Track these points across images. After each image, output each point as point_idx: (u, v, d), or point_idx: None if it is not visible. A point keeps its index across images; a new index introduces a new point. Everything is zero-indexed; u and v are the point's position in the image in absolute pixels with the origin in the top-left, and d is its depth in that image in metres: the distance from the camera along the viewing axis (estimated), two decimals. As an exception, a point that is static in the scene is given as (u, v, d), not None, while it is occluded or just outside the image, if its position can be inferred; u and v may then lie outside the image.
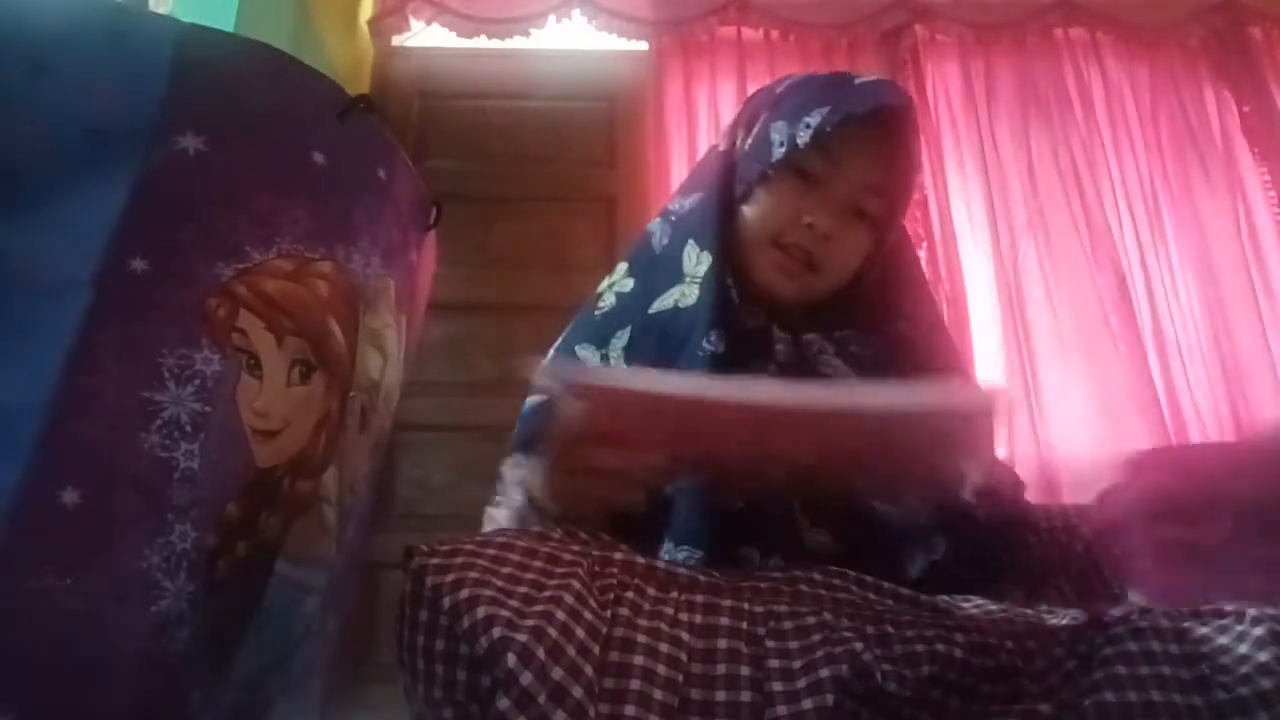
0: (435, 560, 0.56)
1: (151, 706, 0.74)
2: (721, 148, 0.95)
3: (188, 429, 0.78)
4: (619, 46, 2.59)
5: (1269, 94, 2.52)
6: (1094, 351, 2.20)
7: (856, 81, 0.88)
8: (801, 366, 0.84)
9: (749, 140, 0.91)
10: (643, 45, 2.57)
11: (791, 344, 0.85)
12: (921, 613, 0.61)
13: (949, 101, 2.53)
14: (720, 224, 0.88)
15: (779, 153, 0.85)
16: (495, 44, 2.54)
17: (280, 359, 0.87)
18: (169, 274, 0.81)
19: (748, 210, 0.88)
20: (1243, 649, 0.52)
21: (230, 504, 0.81)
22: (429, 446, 2.23)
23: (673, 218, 0.92)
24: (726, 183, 0.90)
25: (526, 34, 2.53)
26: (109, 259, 0.79)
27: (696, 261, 0.87)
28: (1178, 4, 2.61)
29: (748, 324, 0.85)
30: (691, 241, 0.88)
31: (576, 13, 2.54)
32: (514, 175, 2.47)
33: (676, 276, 0.87)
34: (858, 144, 0.85)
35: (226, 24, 1.86)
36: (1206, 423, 2.21)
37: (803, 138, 0.83)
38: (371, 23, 2.55)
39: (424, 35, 2.62)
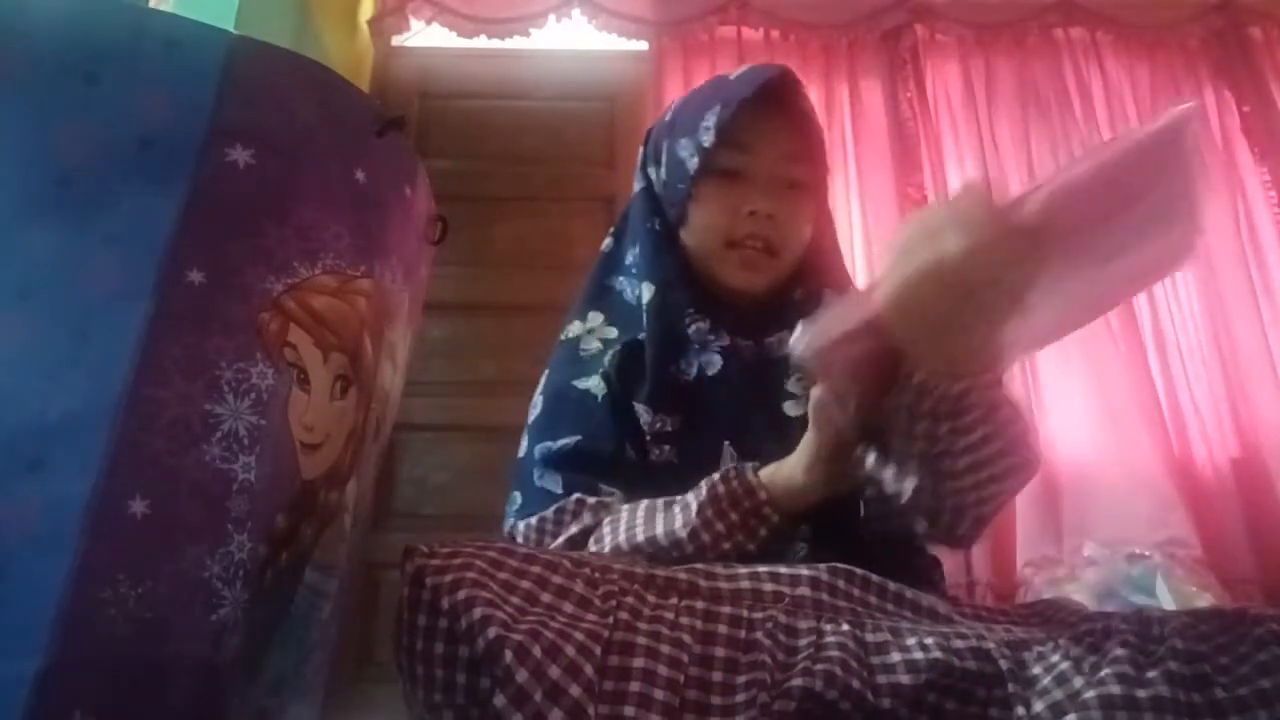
0: (434, 561, 0.56)
1: (202, 712, 0.75)
2: (638, 187, 0.98)
3: (245, 441, 0.79)
4: (619, 46, 2.59)
5: (1269, 94, 2.52)
6: (1094, 351, 2.20)
7: (733, 76, 0.92)
8: (762, 364, 0.87)
9: (662, 170, 0.93)
10: (643, 45, 2.57)
11: (753, 349, 0.88)
12: (921, 618, 0.61)
13: (949, 101, 2.53)
14: (660, 255, 0.91)
15: (693, 163, 0.87)
16: (495, 44, 2.54)
17: (326, 374, 0.88)
18: (224, 287, 0.81)
19: (688, 231, 0.90)
20: (1243, 649, 0.52)
21: (279, 515, 0.82)
22: (429, 446, 2.23)
23: (633, 270, 0.94)
24: (657, 217, 0.93)
25: (526, 34, 2.54)
26: (167, 269, 0.79)
27: (644, 294, 0.90)
28: (1178, 4, 2.61)
29: (718, 341, 0.88)
30: (646, 283, 0.91)
31: (576, 13, 2.54)
32: (514, 175, 2.47)
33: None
34: (760, 124, 0.87)
35: (227, 24, 1.86)
36: (1206, 423, 2.21)
37: (707, 139, 0.86)
38: (371, 23, 2.55)
39: (424, 35, 2.62)
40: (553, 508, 0.80)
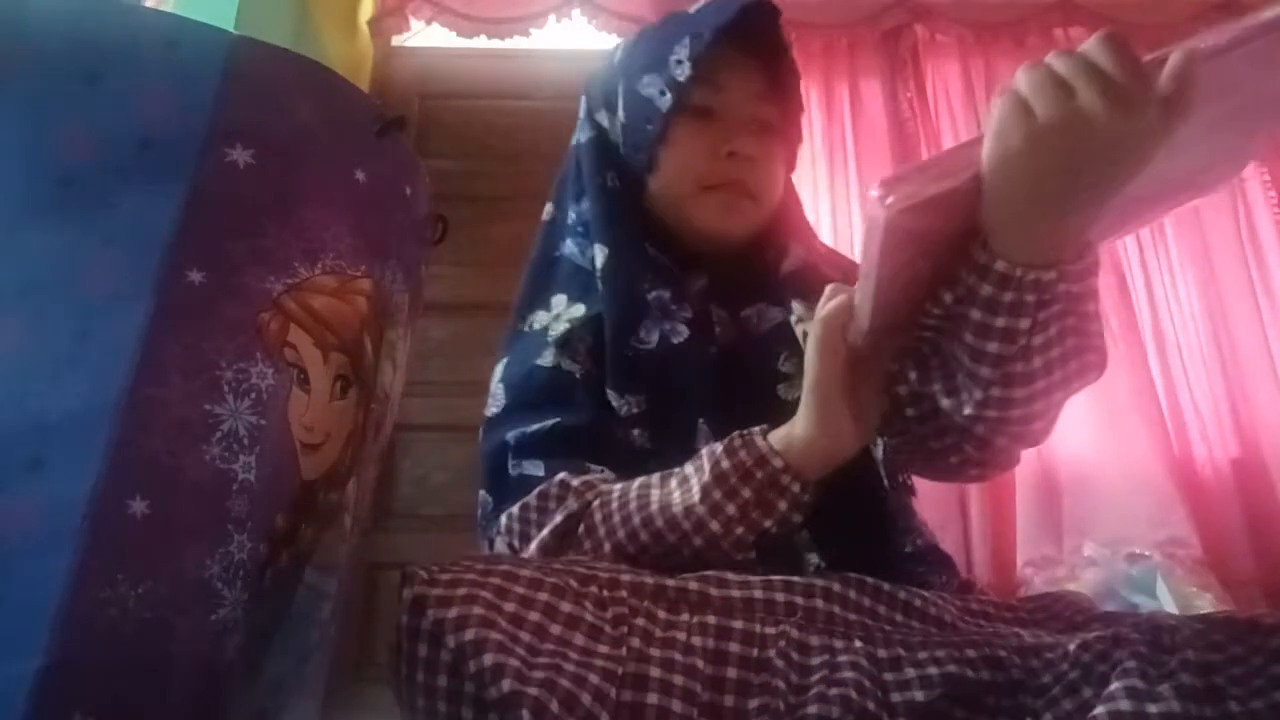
0: (435, 592, 0.52)
1: (201, 712, 0.75)
2: (585, 138, 0.89)
3: (245, 441, 0.79)
4: (619, 46, 2.59)
5: (1269, 94, 2.51)
6: (1094, 351, 2.19)
7: (693, 9, 0.83)
8: (745, 342, 0.81)
9: (619, 114, 0.85)
10: (643, 45, 2.57)
11: (730, 323, 0.82)
12: (931, 628, 0.60)
13: (949, 101, 2.52)
14: (617, 213, 0.83)
15: (665, 101, 0.79)
16: (495, 44, 2.54)
17: (326, 374, 0.88)
18: (224, 286, 0.81)
19: (658, 176, 0.82)
20: (1257, 660, 0.51)
21: (279, 515, 0.82)
22: (429, 446, 2.23)
23: (579, 229, 0.87)
24: (611, 170, 0.85)
25: (526, 34, 2.54)
26: (167, 269, 0.79)
27: (598, 258, 0.82)
28: (1178, 4, 2.61)
29: (681, 313, 0.80)
30: (599, 245, 0.83)
31: (576, 13, 2.54)
32: (514, 175, 2.47)
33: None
34: (734, 59, 0.81)
35: (227, 24, 1.86)
36: (1206, 423, 2.21)
37: (681, 73, 0.78)
38: (371, 23, 2.55)
39: (424, 35, 2.62)
40: (535, 491, 0.73)
